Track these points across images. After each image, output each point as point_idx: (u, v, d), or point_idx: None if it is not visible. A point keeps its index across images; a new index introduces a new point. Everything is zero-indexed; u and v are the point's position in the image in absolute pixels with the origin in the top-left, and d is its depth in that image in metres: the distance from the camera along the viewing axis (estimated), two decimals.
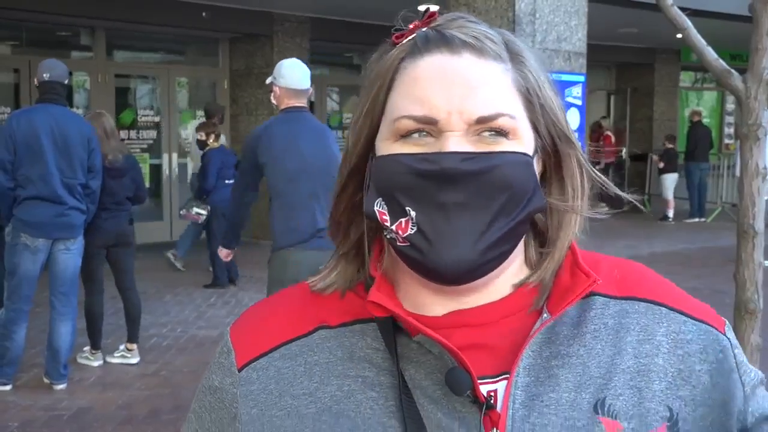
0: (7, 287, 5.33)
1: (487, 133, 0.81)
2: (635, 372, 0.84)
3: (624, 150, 17.08)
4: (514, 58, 0.86)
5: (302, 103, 4.49)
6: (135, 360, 6.07)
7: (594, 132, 15.93)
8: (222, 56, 12.71)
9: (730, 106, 19.37)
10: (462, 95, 0.81)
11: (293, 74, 4.47)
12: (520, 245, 0.88)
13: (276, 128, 4.38)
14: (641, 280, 0.92)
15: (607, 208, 0.95)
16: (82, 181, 5.32)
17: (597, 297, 0.89)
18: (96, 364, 5.97)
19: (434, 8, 0.90)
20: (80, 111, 11.21)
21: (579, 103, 7.24)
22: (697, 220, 14.79)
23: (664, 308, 0.89)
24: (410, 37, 0.87)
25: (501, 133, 0.82)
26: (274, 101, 4.55)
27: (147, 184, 11.50)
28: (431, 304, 0.86)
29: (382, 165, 0.83)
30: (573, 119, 7.29)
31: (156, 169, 12.06)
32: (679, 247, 11.99)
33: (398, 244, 0.83)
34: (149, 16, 10.70)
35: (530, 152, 0.84)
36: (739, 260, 3.06)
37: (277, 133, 4.35)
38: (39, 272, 5.30)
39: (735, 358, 0.89)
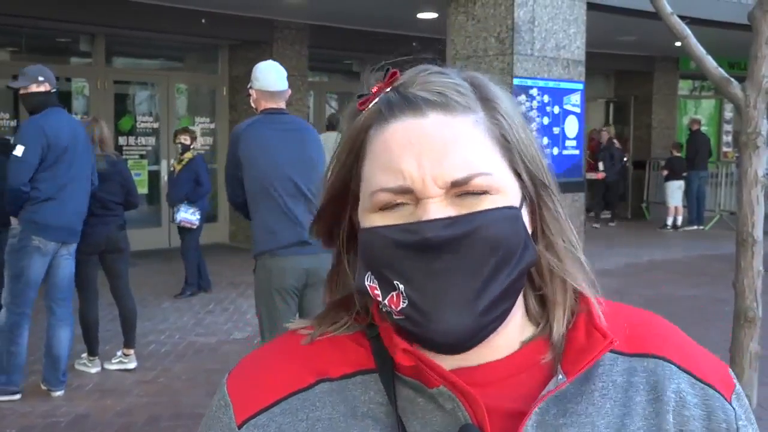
0: (11, 291, 5.24)
1: (466, 194, 0.79)
2: None
3: (627, 157, 17.13)
4: (486, 104, 0.83)
5: (280, 105, 4.49)
6: (132, 365, 6.05)
7: (592, 140, 15.94)
8: (221, 63, 12.72)
9: (729, 114, 19.40)
10: (432, 160, 0.78)
11: (268, 76, 4.47)
12: (519, 299, 0.86)
13: (254, 129, 4.37)
14: (651, 333, 0.90)
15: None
16: (93, 183, 5.40)
17: (606, 353, 0.86)
18: (94, 370, 5.95)
19: (394, 63, 0.87)
20: (79, 117, 11.22)
21: (578, 110, 7.26)
22: (696, 227, 14.79)
23: (673, 366, 0.86)
24: (374, 101, 0.84)
25: (479, 193, 0.79)
26: (253, 105, 4.56)
27: (145, 191, 11.52)
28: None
29: (366, 238, 0.82)
30: (572, 127, 7.31)
31: (154, 176, 12.06)
32: (679, 255, 11.99)
33: (394, 317, 0.80)
34: (149, 23, 10.71)
35: (516, 203, 0.81)
36: (738, 268, 3.06)
37: (255, 134, 4.35)
38: (44, 276, 5.29)
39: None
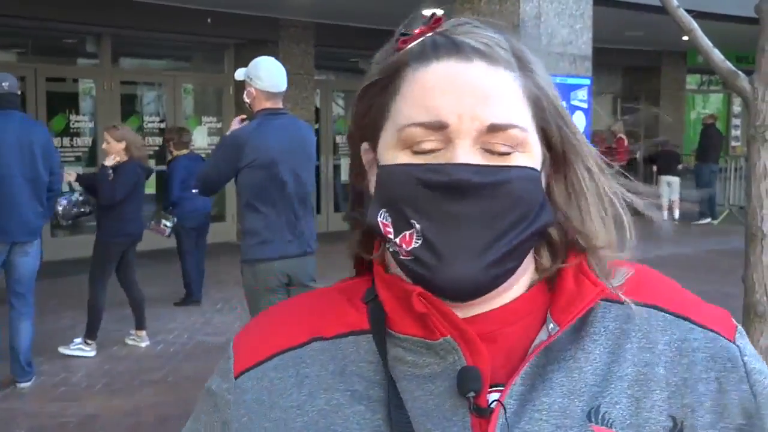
0: None
1: (497, 146, 0.79)
2: (633, 381, 0.81)
3: (638, 153, 17.03)
4: (523, 65, 0.83)
5: (279, 104, 4.42)
6: (144, 343, 6.63)
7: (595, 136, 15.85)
8: (227, 62, 12.72)
9: (737, 108, 19.32)
10: (474, 103, 0.78)
11: (272, 77, 4.36)
12: (530, 257, 0.85)
13: (260, 133, 4.28)
14: (646, 283, 0.89)
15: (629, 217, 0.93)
16: (46, 184, 5.47)
17: (600, 300, 0.85)
18: (92, 354, 6.36)
19: (440, 12, 0.88)
20: (86, 118, 11.25)
21: (584, 106, 7.22)
22: (708, 221, 14.69)
23: (669, 315, 0.85)
24: (417, 42, 0.84)
25: (510, 146, 0.79)
26: (247, 100, 4.43)
27: (153, 191, 11.53)
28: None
29: (388, 175, 0.81)
30: (578, 122, 7.28)
31: (161, 176, 12.06)
32: (688, 250, 11.93)
33: (401, 257, 0.80)
34: (155, 23, 10.72)
35: (538, 166, 0.82)
36: (748, 263, 3.04)
37: (261, 137, 4.26)
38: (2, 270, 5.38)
39: (745, 367, 0.84)
